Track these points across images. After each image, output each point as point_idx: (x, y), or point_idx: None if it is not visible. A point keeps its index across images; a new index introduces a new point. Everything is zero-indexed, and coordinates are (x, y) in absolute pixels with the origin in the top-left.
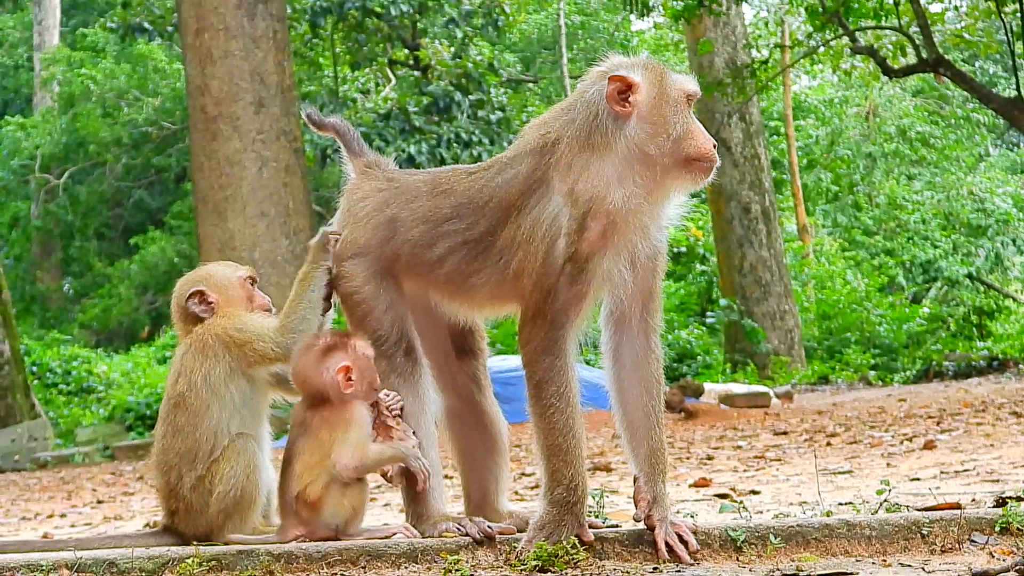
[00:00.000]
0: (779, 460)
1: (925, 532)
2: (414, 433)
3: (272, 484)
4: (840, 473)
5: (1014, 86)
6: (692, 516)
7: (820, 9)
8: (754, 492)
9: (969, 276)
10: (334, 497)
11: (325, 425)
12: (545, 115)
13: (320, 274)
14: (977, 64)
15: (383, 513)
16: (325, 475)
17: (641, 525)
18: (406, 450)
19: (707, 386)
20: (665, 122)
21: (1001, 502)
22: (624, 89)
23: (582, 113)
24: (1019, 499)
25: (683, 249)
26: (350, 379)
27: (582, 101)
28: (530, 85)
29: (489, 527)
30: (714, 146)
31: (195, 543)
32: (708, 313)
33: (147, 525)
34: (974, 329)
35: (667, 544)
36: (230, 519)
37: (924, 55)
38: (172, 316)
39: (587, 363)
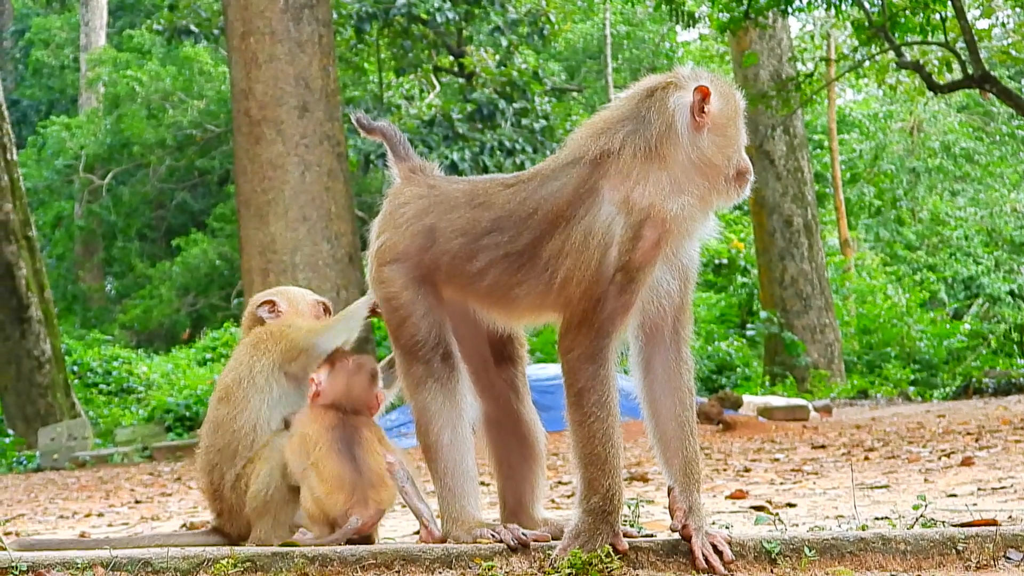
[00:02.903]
0: (816, 474)
1: (960, 548)
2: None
3: None
4: (877, 488)
5: None
6: (728, 527)
7: (866, 24)
8: (790, 505)
9: (1011, 293)
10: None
11: (376, 435)
12: (596, 125)
13: (362, 307)
14: (1023, 81)
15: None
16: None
17: (676, 536)
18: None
19: (746, 398)
20: (736, 133)
21: None
22: (702, 99)
23: (653, 122)
24: None
25: (724, 261)
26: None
27: (654, 111)
28: (574, 94)
29: (524, 534)
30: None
31: (238, 543)
32: (748, 325)
33: (184, 526)
34: (1015, 346)
35: (702, 554)
36: (261, 520)
37: (970, 71)
38: (241, 327)
39: (626, 373)
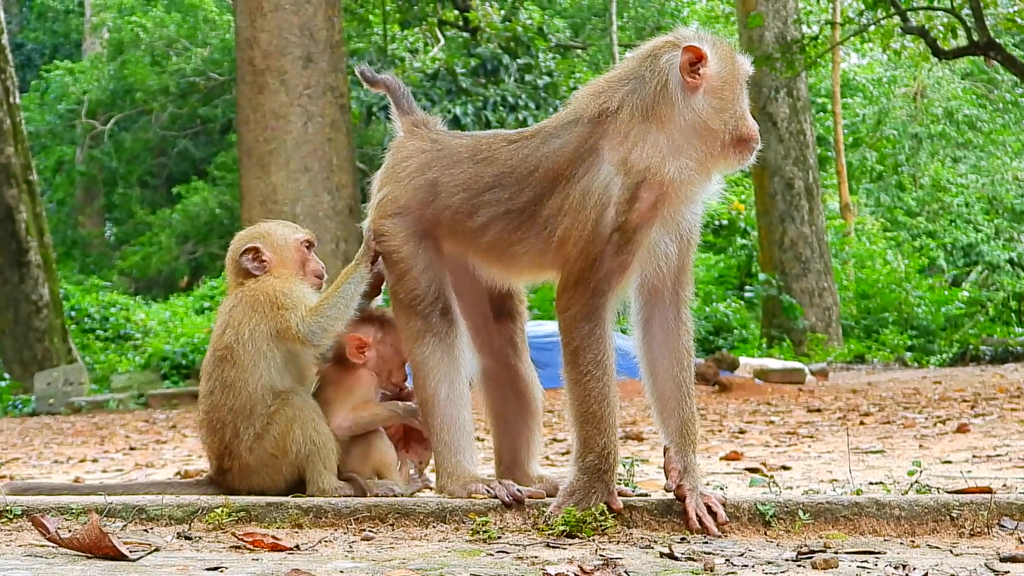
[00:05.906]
0: (811, 437)
1: (955, 515)
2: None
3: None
4: (872, 453)
5: None
6: (722, 489)
7: None
8: (785, 468)
9: (1010, 261)
10: (356, 458)
11: (332, 385)
12: (598, 84)
13: (363, 270)
14: None
15: None
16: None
17: (670, 495)
18: (401, 409)
19: (742, 360)
20: (734, 98)
21: None
22: (695, 61)
23: (649, 82)
24: None
25: (724, 222)
26: (361, 351)
27: (649, 70)
28: (578, 52)
29: (518, 491)
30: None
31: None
32: (747, 287)
33: (178, 474)
34: (1012, 315)
35: (696, 515)
36: (314, 469)
37: (975, 38)
38: (226, 268)
39: (623, 332)
